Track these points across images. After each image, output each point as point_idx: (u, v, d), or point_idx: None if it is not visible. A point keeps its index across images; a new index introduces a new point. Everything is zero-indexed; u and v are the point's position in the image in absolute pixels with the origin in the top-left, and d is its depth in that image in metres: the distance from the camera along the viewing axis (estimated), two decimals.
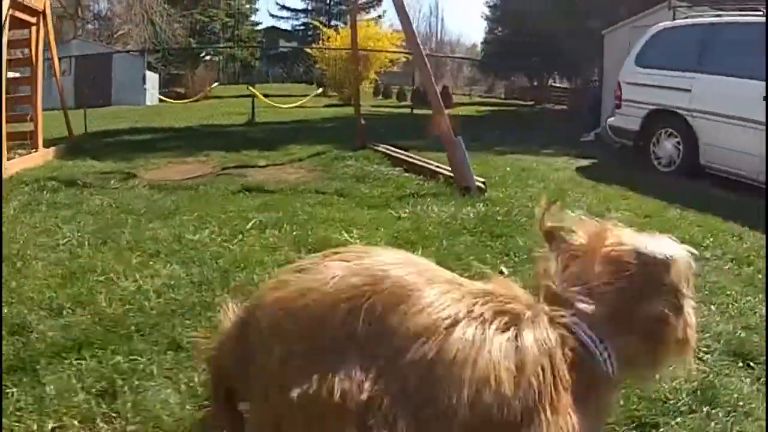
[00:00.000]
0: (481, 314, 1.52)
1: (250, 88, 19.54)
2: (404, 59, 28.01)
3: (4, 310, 3.70)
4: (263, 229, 5.74)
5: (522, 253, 4.98)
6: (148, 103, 30.23)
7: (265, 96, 20.40)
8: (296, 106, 17.67)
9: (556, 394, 1.48)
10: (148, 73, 33.18)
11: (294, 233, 5.59)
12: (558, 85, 35.95)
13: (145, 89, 31.20)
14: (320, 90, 18.67)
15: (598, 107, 16.15)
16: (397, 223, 6.07)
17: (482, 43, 42.94)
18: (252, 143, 11.90)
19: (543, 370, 1.48)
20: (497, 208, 6.56)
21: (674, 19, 12.06)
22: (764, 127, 8.50)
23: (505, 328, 1.52)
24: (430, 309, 1.49)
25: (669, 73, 10.19)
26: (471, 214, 6.31)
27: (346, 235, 5.51)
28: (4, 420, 2.67)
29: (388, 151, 9.95)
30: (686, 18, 11.46)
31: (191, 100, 22.40)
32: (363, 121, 11.49)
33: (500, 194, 7.45)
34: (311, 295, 1.52)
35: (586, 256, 1.68)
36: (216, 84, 29.95)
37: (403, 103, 28.01)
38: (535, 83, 35.70)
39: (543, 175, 9.09)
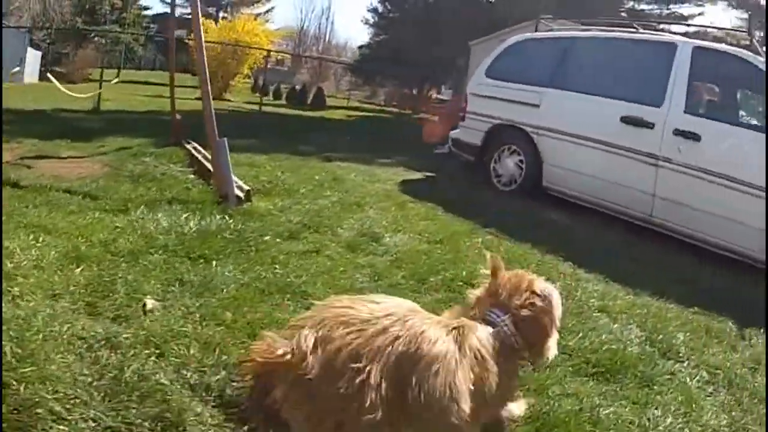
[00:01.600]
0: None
1: (49, 74, 17.58)
2: (278, 57, 26.52)
3: None
4: None
5: (197, 284, 4.00)
6: (26, 81, 27.83)
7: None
8: (88, 96, 15.71)
9: (494, 363, 2.29)
10: (31, 51, 30.80)
11: None
12: (441, 96, 35.20)
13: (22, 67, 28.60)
14: (117, 79, 16.96)
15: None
16: (108, 232, 4.88)
17: (359, 47, 41.60)
18: (75, 132, 10.49)
19: (482, 355, 2.27)
20: (238, 224, 5.42)
21: (536, 31, 10.99)
22: (615, 150, 7.85)
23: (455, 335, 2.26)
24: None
25: (518, 87, 9.14)
26: (195, 228, 5.16)
27: (17, 242, 4.31)
28: None
29: (192, 151, 8.68)
30: (548, 31, 10.42)
31: None
32: (178, 116, 10.26)
33: (269, 206, 6.32)
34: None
35: (512, 291, 2.51)
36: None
37: (279, 102, 26.93)
38: (415, 92, 34.69)
39: (353, 187, 7.96)
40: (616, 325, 4.31)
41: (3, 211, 5.14)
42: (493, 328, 2.40)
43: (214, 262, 4.39)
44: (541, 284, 2.55)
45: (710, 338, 4.51)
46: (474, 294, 2.60)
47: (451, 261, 5.16)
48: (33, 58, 30.82)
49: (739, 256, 6.76)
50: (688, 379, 3.68)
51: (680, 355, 4.02)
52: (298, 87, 31.64)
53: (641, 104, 7.71)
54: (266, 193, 6.93)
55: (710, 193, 6.94)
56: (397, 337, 2.11)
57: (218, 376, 2.89)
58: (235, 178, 6.56)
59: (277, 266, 4.51)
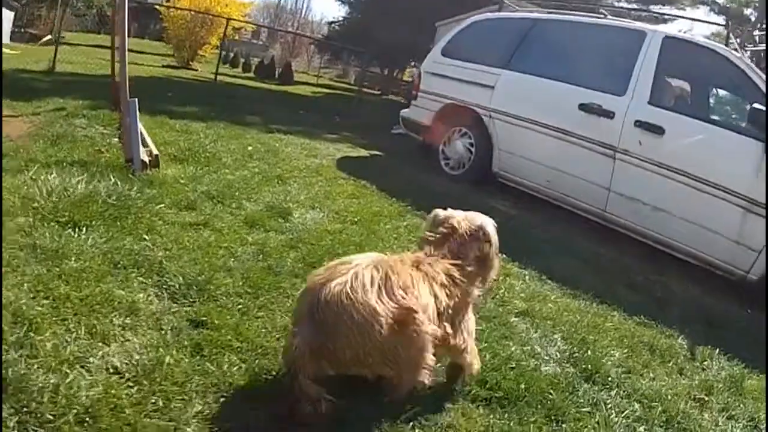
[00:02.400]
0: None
1: None
2: (253, 30, 25.47)
3: None
4: None
5: (49, 251, 3.35)
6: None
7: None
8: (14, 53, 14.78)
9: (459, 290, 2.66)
10: (4, 11, 29.63)
11: None
12: (410, 78, 34.12)
13: None
14: (50, 37, 16.11)
15: None
16: None
17: (328, 23, 39.86)
18: (19, 91, 9.48)
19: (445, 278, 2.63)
20: (131, 190, 4.66)
21: (500, 11, 10.17)
22: (570, 139, 7.06)
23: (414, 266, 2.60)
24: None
25: (473, 67, 8.31)
26: (80, 192, 4.43)
27: None
28: None
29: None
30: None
31: None
32: (117, 79, 9.09)
33: (179, 173, 5.59)
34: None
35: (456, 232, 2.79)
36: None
37: (247, 74, 26.13)
38: (386, 73, 33.56)
39: (284, 159, 7.19)
40: (536, 334, 3.51)
41: None
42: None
43: (82, 229, 3.73)
44: (476, 220, 2.85)
45: (653, 357, 3.75)
46: (426, 240, 2.84)
47: (358, 244, 4.41)
48: (6, 18, 29.66)
49: (698, 261, 6.07)
50: (613, 414, 2.86)
51: (609, 379, 3.20)
52: (266, 61, 30.66)
53: (602, 92, 6.93)
54: (184, 160, 6.18)
55: (671, 191, 6.20)
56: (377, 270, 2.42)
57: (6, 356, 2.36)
58: (149, 143, 5.97)
59: (147, 237, 3.82)
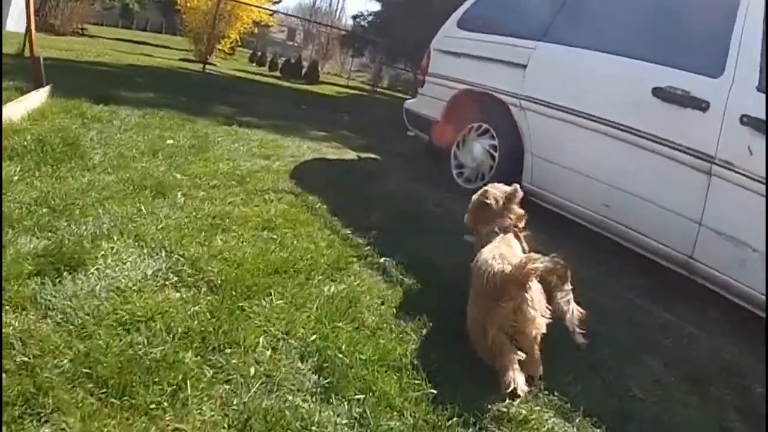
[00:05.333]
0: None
1: None
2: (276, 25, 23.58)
3: None
4: None
5: None
6: (9, 29, 25.29)
7: None
8: None
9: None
10: None
11: None
12: None
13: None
14: None
15: None
16: None
17: (353, 17, 36.99)
18: None
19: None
20: None
21: None
22: (640, 142, 4.45)
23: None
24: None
25: (498, 39, 5.76)
26: None
27: None
28: None
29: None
30: None
31: None
32: (41, 57, 7.44)
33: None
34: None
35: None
36: None
37: (273, 73, 25.21)
38: (419, 74, 31.00)
39: (208, 159, 4.99)
40: None
41: None
42: None
43: None
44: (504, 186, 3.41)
45: None
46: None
47: (114, 380, 2.03)
48: (18, 6, 28.38)
49: None
50: None
51: None
52: (293, 60, 28.75)
53: (687, 71, 4.31)
54: (21, 155, 4.13)
55: None
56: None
57: None
58: None
59: None
